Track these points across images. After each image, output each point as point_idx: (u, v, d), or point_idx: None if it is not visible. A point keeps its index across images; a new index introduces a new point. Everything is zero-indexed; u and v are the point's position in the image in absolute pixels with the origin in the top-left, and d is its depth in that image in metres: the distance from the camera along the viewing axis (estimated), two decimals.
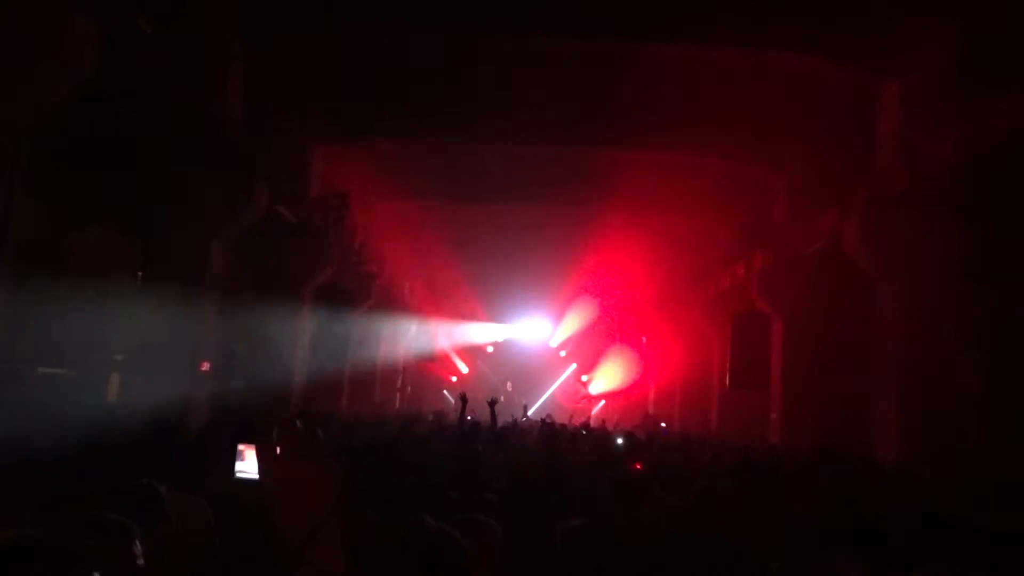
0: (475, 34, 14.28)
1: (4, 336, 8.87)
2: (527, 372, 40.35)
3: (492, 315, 37.38)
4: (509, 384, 39.74)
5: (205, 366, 13.75)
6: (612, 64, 15.35)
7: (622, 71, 15.41)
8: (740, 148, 17.88)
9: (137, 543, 2.61)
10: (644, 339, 32.63)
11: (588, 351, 38.03)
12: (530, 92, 16.20)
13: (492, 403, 10.98)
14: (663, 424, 23.55)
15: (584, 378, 39.32)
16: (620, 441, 11.77)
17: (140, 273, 14.85)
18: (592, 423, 20.89)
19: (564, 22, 13.63)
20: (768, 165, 18.97)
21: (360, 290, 21.32)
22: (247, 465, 3.87)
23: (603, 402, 36.79)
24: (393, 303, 26.82)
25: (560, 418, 19.64)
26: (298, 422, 4.06)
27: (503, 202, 23.43)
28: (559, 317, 37.19)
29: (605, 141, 18.35)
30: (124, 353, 15.36)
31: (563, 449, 10.11)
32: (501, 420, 12.81)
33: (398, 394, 31.45)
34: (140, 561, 2.54)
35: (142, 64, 10.11)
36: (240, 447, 3.95)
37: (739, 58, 14.54)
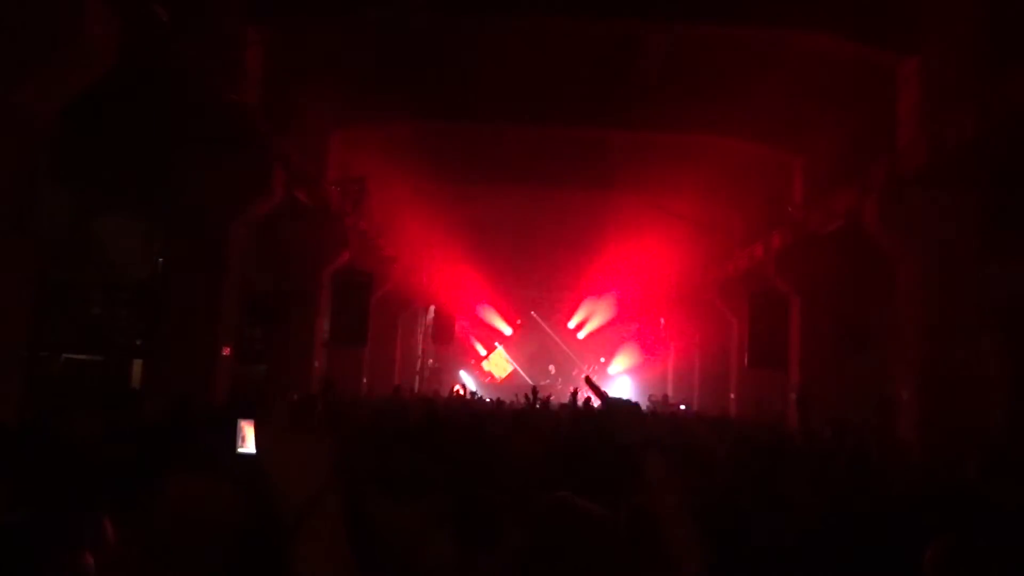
0: (494, 15, 14.25)
1: (29, 322, 8.98)
2: (546, 354, 40.47)
3: (511, 298, 37.46)
4: (552, 367, 39.89)
5: (226, 351, 13.88)
6: (629, 45, 15.30)
7: (639, 52, 15.36)
8: (757, 128, 17.77)
9: (107, 527, 2.67)
10: (662, 320, 32.61)
11: (607, 332, 38.07)
12: (548, 73, 16.17)
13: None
14: (683, 406, 23.55)
15: (602, 360, 39.38)
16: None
17: (161, 259, 15.01)
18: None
19: (583, 3, 13.58)
20: (785, 145, 18.86)
21: (378, 273, 21.42)
22: (247, 442, 3.94)
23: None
24: (411, 286, 26.93)
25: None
26: (295, 395, 4.08)
27: (521, 184, 23.43)
28: (578, 299, 37.21)
29: (622, 123, 18.29)
30: (146, 338, 15.56)
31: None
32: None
33: (417, 376, 31.63)
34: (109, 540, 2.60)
35: (160, 52, 10.16)
36: (241, 423, 4.01)
37: (756, 37, 14.44)
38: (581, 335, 39.36)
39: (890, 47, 13.85)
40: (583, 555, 2.54)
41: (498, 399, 16.20)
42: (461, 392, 22.79)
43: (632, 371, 36.56)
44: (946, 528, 3.14)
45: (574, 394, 13.05)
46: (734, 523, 4.43)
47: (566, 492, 2.74)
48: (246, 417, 3.85)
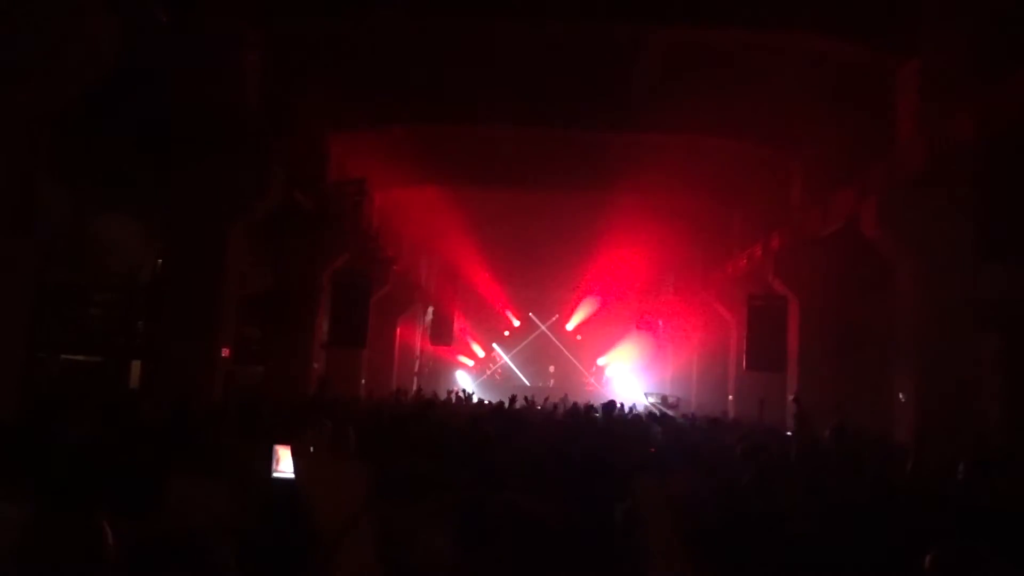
0: (490, 19, 14.26)
1: (28, 323, 8.98)
2: (544, 355, 40.48)
3: (509, 299, 37.45)
4: (552, 368, 39.90)
5: (225, 352, 13.87)
6: (627, 47, 15.30)
7: (637, 53, 15.37)
8: (756, 129, 17.79)
9: (106, 527, 2.67)
10: (661, 322, 32.62)
11: (605, 334, 38.07)
12: (545, 76, 16.18)
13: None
14: (673, 401, 23.56)
15: (601, 361, 39.38)
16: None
17: (160, 260, 14.99)
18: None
19: (578, 6, 13.58)
20: (784, 146, 18.88)
21: (377, 275, 21.41)
22: (283, 465, 3.99)
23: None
24: (410, 288, 26.92)
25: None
26: (328, 422, 4.09)
27: (518, 186, 23.42)
28: (576, 301, 37.21)
29: (620, 124, 18.30)
30: (144, 339, 15.52)
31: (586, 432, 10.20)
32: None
33: (415, 378, 31.62)
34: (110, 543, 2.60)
35: (161, 54, 10.17)
36: (276, 447, 4.06)
37: (755, 39, 14.46)
38: (579, 336, 39.36)
39: (889, 50, 13.87)
40: (527, 551, 2.59)
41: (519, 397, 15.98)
42: (463, 396, 22.79)
43: (630, 372, 36.58)
44: (946, 531, 3.15)
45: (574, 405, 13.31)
46: (733, 525, 4.44)
47: (513, 493, 2.76)
48: (282, 442, 3.91)
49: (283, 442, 3.93)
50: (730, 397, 23.31)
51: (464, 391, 23.06)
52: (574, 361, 39.94)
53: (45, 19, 8.20)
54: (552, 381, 38.45)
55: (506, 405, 13.53)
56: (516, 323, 39.67)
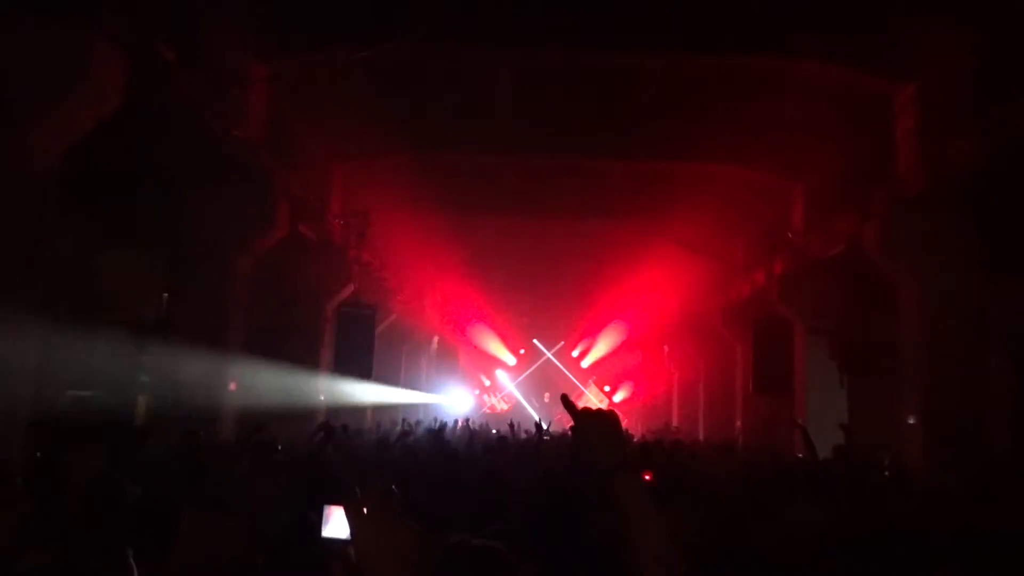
0: (491, 50, 14.39)
1: (34, 358, 9.02)
2: (549, 384, 40.38)
3: (513, 327, 37.43)
4: (547, 395, 39.77)
5: (232, 386, 13.88)
6: (627, 74, 15.43)
7: (638, 81, 15.49)
8: (756, 155, 17.88)
9: (132, 563, 2.69)
10: (666, 348, 32.59)
11: (610, 361, 38.00)
12: (546, 104, 16.31)
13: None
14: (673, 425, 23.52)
15: (607, 388, 39.28)
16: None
17: (165, 294, 15.04)
18: None
19: (580, 37, 13.70)
20: (785, 170, 18.95)
21: (382, 305, 21.45)
22: (334, 526, 4.02)
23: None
24: (414, 317, 26.96)
25: None
26: (379, 483, 4.14)
27: (523, 214, 23.49)
28: (581, 328, 37.18)
29: (622, 152, 18.42)
30: (151, 374, 15.53)
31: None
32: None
33: (420, 408, 31.56)
34: None
35: (166, 90, 10.29)
36: (326, 508, 4.09)
37: (755, 65, 14.57)
38: (585, 363, 39.29)
39: (887, 74, 13.97)
40: None
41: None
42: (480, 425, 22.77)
43: (636, 399, 36.49)
44: (951, 555, 3.16)
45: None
46: (737, 550, 4.43)
47: (464, 535, 2.77)
48: (329, 500, 3.95)
49: (333, 501, 3.94)
50: (738, 423, 23.23)
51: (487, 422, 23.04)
52: (581, 388, 39.81)
53: (53, 59, 8.31)
54: (557, 412, 38.31)
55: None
56: (521, 351, 39.62)
